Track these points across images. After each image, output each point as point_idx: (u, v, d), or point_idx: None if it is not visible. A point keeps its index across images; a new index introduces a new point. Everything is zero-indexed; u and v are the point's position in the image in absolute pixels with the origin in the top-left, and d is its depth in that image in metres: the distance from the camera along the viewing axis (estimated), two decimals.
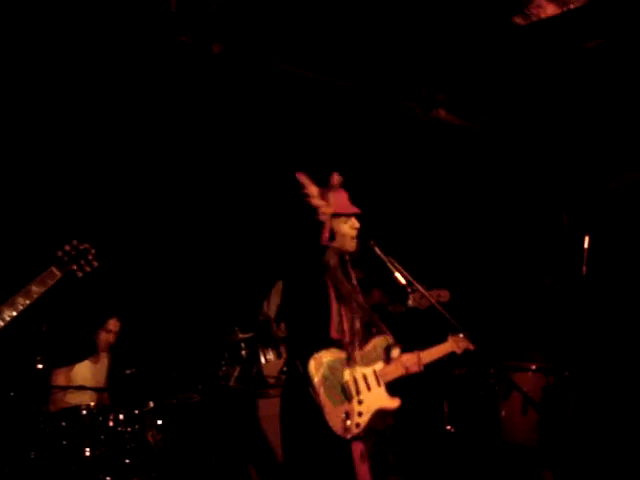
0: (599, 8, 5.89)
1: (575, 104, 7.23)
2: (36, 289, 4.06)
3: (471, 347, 4.56)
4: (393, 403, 4.05)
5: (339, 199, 4.04)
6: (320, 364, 3.79)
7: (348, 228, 4.02)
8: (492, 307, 7.45)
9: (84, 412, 5.34)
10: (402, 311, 5.39)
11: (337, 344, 3.90)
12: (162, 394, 5.88)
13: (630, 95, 6.88)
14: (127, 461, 5.34)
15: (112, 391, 6.14)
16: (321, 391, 3.75)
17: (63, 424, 5.28)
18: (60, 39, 5.52)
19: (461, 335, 4.53)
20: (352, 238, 4.03)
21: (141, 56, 5.86)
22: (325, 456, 3.78)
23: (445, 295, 5.36)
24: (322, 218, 3.89)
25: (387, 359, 4.07)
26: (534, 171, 7.92)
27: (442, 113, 7.34)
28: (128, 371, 6.08)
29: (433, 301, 4.18)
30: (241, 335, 6.02)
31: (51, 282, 4.09)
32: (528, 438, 5.85)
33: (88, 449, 5.26)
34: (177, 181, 6.89)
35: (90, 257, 4.23)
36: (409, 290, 4.15)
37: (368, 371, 3.99)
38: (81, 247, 4.21)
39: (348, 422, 3.78)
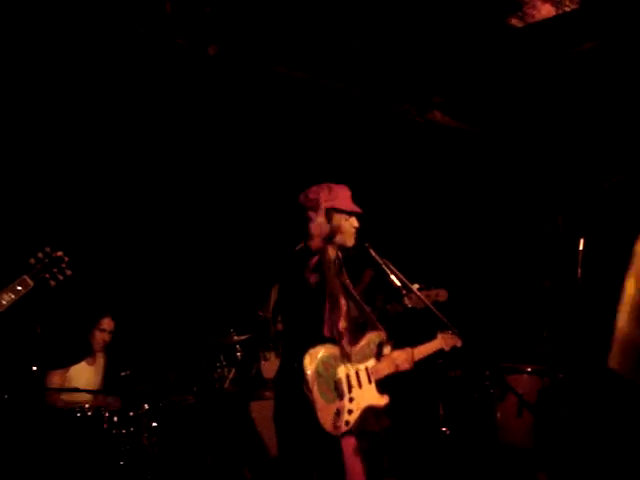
0: (594, 11, 5.90)
1: (570, 106, 7.24)
2: (7, 297, 3.98)
3: (459, 344, 4.59)
4: (382, 400, 4.06)
5: (342, 195, 4.07)
6: (314, 359, 3.79)
7: (348, 226, 4.04)
8: (489, 308, 7.46)
9: (79, 414, 5.34)
10: (400, 311, 5.41)
11: (331, 341, 3.91)
12: (157, 396, 5.87)
13: (625, 98, 6.90)
14: (122, 463, 5.34)
15: (108, 393, 6.12)
16: (314, 388, 3.75)
17: (58, 426, 5.27)
18: (55, 41, 5.52)
19: (449, 332, 4.56)
20: (351, 235, 4.05)
21: (137, 58, 5.86)
22: (316, 452, 3.79)
23: (443, 295, 5.39)
24: (323, 206, 3.95)
25: (379, 355, 4.09)
26: (529, 173, 7.93)
27: (438, 115, 7.35)
28: (123, 373, 6.08)
29: (428, 302, 4.19)
30: (236, 337, 6.02)
31: (23, 291, 4.00)
32: (523, 440, 5.85)
33: (83, 451, 5.27)
34: (174, 182, 6.89)
35: (63, 265, 4.14)
36: (404, 292, 4.15)
37: (361, 368, 4.00)
38: (54, 255, 4.12)
39: (338, 419, 3.79)
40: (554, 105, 7.29)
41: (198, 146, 6.82)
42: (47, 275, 4.06)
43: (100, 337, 6.27)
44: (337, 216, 4.01)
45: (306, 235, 4.01)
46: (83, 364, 6.19)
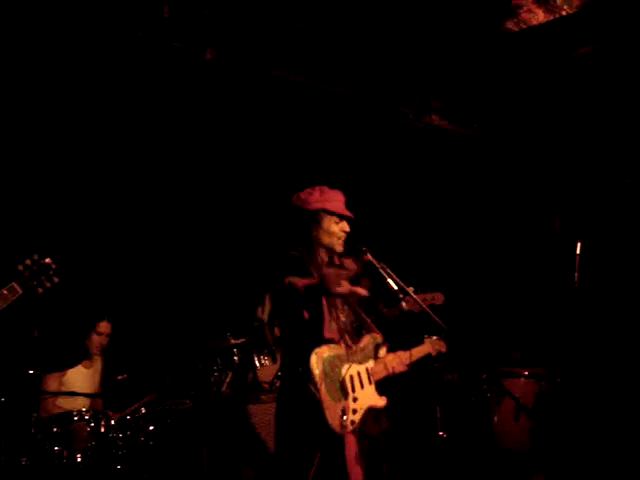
0: (590, 15, 5.91)
1: (568, 110, 7.25)
2: None
3: (443, 349, 4.66)
4: (381, 401, 4.08)
5: (335, 199, 4.08)
6: (320, 359, 3.81)
7: (338, 229, 4.04)
8: (486, 312, 7.46)
9: (76, 417, 5.34)
10: (396, 314, 5.42)
11: (332, 342, 3.93)
12: (154, 400, 5.87)
13: (622, 101, 6.91)
14: (119, 467, 5.34)
15: (104, 397, 6.12)
16: (322, 387, 3.78)
17: (55, 430, 5.27)
18: (53, 44, 5.52)
19: (435, 337, 4.64)
20: (339, 239, 4.05)
21: (134, 61, 5.86)
22: (319, 453, 3.80)
23: (439, 298, 5.40)
24: (314, 207, 3.96)
25: (376, 357, 4.12)
26: (527, 178, 7.94)
27: (435, 119, 7.35)
28: (120, 377, 6.07)
29: (424, 305, 4.20)
30: (233, 341, 6.02)
31: (11, 298, 3.99)
32: (520, 444, 5.85)
33: (79, 455, 5.26)
34: (171, 186, 6.89)
35: (51, 272, 4.14)
36: (401, 296, 4.17)
37: (362, 368, 4.02)
38: (42, 262, 4.13)
39: (344, 418, 3.82)
40: (551, 109, 7.30)
41: (195, 150, 6.82)
42: (34, 282, 4.06)
43: (97, 340, 6.27)
44: (327, 218, 4.02)
45: (297, 237, 4.02)
46: (80, 367, 6.18)
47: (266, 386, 5.88)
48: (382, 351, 4.12)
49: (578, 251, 5.74)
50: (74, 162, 6.37)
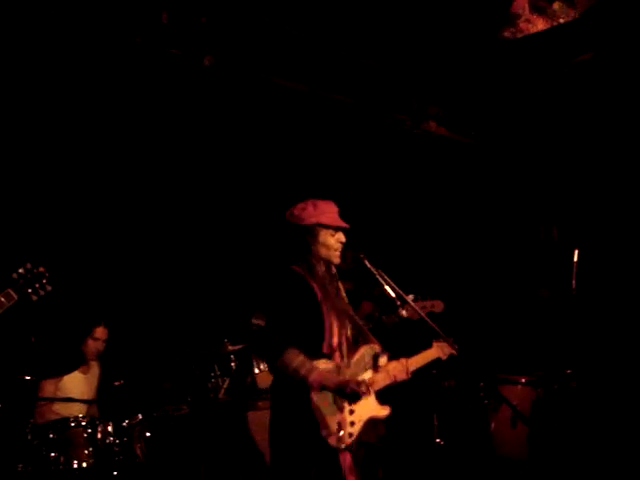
0: (588, 23, 5.93)
1: (565, 118, 7.27)
2: None
3: (455, 352, 4.52)
4: (384, 411, 4.05)
5: (329, 211, 4.07)
6: None
7: (334, 241, 4.03)
8: (484, 319, 7.46)
9: (73, 424, 5.33)
10: (396, 322, 5.41)
11: (328, 357, 3.91)
12: (151, 406, 5.86)
13: (620, 109, 6.93)
14: (115, 473, 5.33)
15: (101, 403, 6.11)
16: (314, 400, 3.77)
17: (51, 436, 5.26)
18: (51, 50, 5.53)
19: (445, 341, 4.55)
20: (336, 251, 4.04)
21: (132, 67, 5.86)
22: (315, 466, 3.78)
23: (439, 306, 5.39)
24: (308, 222, 3.95)
25: (375, 367, 4.09)
26: (524, 185, 7.95)
27: (432, 126, 7.36)
28: (117, 383, 6.06)
29: (422, 313, 4.18)
30: (231, 347, 6.01)
31: (7, 304, 4.05)
32: (517, 451, 5.84)
33: (76, 461, 5.25)
34: (167, 192, 6.88)
35: (44, 281, 4.18)
36: (399, 303, 4.16)
37: (358, 380, 3.98)
38: (36, 271, 4.17)
39: (341, 432, 3.80)
40: (549, 116, 7.31)
41: (193, 156, 6.82)
42: (29, 290, 4.10)
43: (93, 346, 6.26)
44: (323, 232, 4.01)
45: (295, 252, 4.01)
46: (76, 373, 6.16)
47: (265, 392, 5.87)
48: (382, 360, 4.08)
49: (575, 258, 5.75)
50: (69, 168, 6.36)
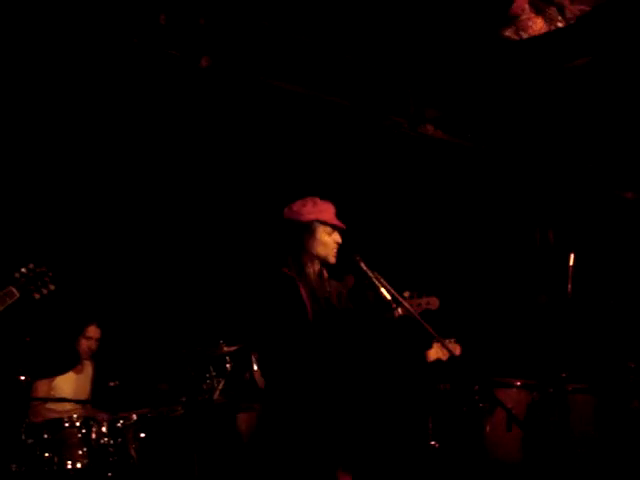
0: (587, 26, 5.94)
1: (563, 122, 7.28)
2: None
3: (457, 352, 4.52)
4: None
5: (326, 209, 4.07)
6: None
7: (331, 240, 4.03)
8: (479, 322, 7.47)
9: (67, 424, 5.32)
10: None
11: None
12: (146, 407, 5.85)
13: (617, 113, 6.94)
14: (109, 474, 5.32)
15: (95, 403, 6.10)
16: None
17: (45, 436, 5.25)
18: (48, 51, 5.52)
19: (447, 340, 4.52)
20: (332, 250, 4.04)
21: (130, 69, 5.87)
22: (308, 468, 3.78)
23: (434, 302, 5.35)
24: (307, 218, 3.95)
25: None
26: (521, 188, 7.96)
27: (430, 129, 7.36)
28: (112, 383, 6.06)
29: (416, 314, 4.17)
30: (226, 348, 6.00)
31: (9, 301, 4.08)
32: (512, 454, 5.84)
33: (70, 462, 5.24)
34: (163, 193, 6.89)
35: (47, 279, 4.20)
36: (394, 306, 4.15)
37: None
38: (38, 270, 4.19)
39: None
40: (546, 120, 7.32)
41: (190, 157, 6.82)
42: (32, 287, 4.13)
43: (86, 345, 6.27)
44: (320, 228, 4.00)
45: (290, 248, 4.01)
46: (70, 372, 6.17)
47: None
48: None
49: (571, 262, 5.75)
50: (66, 169, 6.36)
